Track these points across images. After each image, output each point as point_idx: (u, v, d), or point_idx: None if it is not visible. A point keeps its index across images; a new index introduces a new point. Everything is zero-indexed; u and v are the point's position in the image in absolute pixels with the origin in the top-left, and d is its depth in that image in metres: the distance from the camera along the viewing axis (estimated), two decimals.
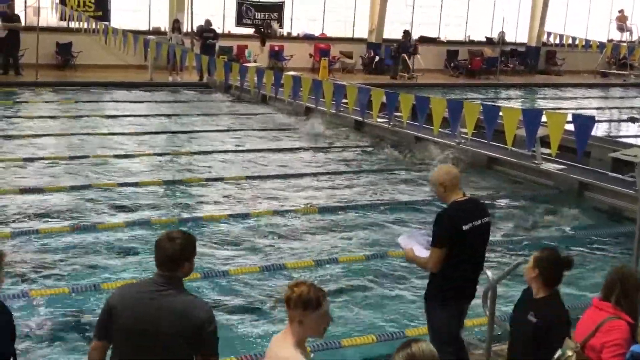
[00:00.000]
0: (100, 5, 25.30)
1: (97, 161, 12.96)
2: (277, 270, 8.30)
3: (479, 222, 5.56)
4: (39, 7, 22.31)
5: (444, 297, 5.58)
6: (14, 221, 9.53)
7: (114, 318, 3.98)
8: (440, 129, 13.58)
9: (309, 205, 10.90)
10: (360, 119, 16.72)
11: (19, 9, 23.47)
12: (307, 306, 3.66)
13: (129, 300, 4.01)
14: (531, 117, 11.45)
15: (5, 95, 19.23)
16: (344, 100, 16.29)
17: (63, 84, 21.52)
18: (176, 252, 3.97)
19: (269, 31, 27.99)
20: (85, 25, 22.38)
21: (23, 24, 22.71)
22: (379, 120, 16.06)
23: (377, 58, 28.23)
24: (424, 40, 30.06)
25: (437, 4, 31.10)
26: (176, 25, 24.08)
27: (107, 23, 23.33)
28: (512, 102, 24.12)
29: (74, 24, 23.15)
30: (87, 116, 16.96)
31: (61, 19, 23.51)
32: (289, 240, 9.46)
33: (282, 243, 9.34)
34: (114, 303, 4.02)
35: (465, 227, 5.44)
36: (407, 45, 27.44)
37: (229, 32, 27.62)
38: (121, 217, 9.94)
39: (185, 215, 10.15)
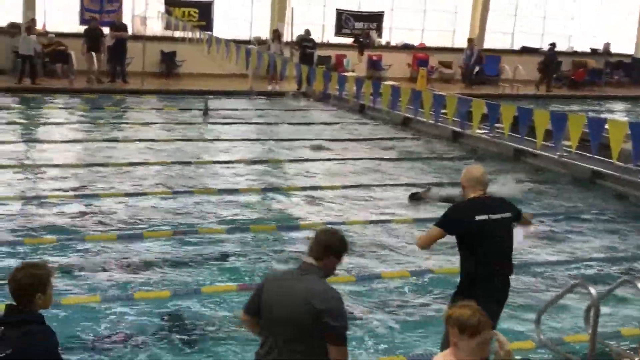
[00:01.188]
0: (203, 15, 25.97)
1: (197, 167, 13.25)
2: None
3: (498, 216, 5.57)
4: (145, 17, 23.02)
5: (468, 296, 5.48)
6: (118, 224, 9.83)
7: (262, 296, 4.36)
8: (542, 142, 13.29)
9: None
10: (459, 129, 16.53)
11: (126, 19, 24.34)
12: (463, 330, 3.66)
13: (273, 280, 4.47)
14: (639, 130, 11.08)
15: (112, 102, 19.91)
16: (443, 111, 16.16)
17: (167, 91, 22.15)
18: (333, 243, 4.35)
19: (368, 41, 28.05)
20: (189, 35, 22.96)
21: (130, 33, 23.50)
22: (477, 131, 15.86)
23: (476, 68, 27.88)
24: (525, 50, 29.51)
25: (541, 14, 30.49)
26: (276, 34, 24.45)
27: (210, 33, 23.88)
28: (617, 115, 23.37)
29: (178, 34, 23.80)
30: (189, 123, 17.37)
31: (166, 28, 24.21)
32: (392, 252, 9.41)
33: (391, 252, 9.30)
34: (264, 282, 4.47)
35: (479, 218, 5.47)
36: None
37: (328, 41, 27.84)
38: (221, 223, 10.11)
39: (283, 223, 10.24)
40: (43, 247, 8.76)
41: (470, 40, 27.46)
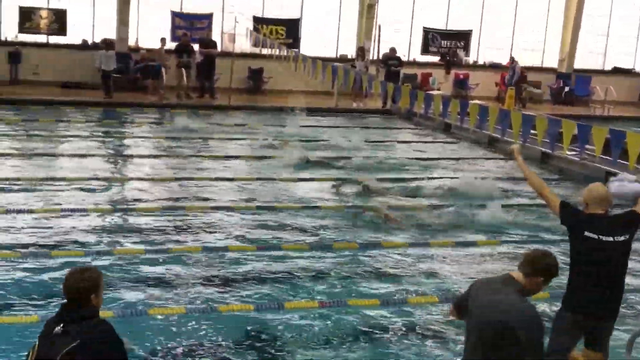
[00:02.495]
0: (291, 32, 26.26)
1: (280, 184, 13.29)
2: None
3: (611, 238, 5.48)
4: (234, 34, 23.41)
5: (565, 304, 5.68)
6: (203, 236, 9.95)
7: (468, 298, 4.68)
8: (636, 165, 12.87)
9: None
10: (549, 151, 16.15)
11: (215, 36, 24.83)
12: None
13: (479, 285, 4.75)
14: None
15: (201, 118, 20.27)
16: (532, 131, 15.82)
17: (254, 108, 22.42)
18: (542, 264, 4.61)
19: (455, 59, 27.81)
20: (277, 52, 23.21)
21: (219, 50, 23.93)
22: (567, 152, 15.47)
23: (566, 88, 27.26)
24: (617, 71, 28.71)
25: (634, 33, 29.65)
26: (361, 52, 24.50)
27: (297, 50, 24.10)
28: None
29: (266, 51, 24.10)
30: (274, 139, 17.50)
31: (254, 45, 24.54)
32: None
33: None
34: (472, 285, 4.80)
35: (588, 234, 5.49)
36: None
37: (414, 59, 27.73)
38: (305, 239, 10.11)
39: (365, 241, 10.17)
40: (127, 257, 8.93)
41: (512, 59, 26.91)
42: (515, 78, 25.83)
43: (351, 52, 26.73)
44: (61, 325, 4.01)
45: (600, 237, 5.45)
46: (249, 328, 7.20)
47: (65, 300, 4.17)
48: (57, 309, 4.23)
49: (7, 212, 10.39)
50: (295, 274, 8.79)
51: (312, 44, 26.61)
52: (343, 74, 21.33)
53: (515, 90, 24.36)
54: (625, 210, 6.09)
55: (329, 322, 7.40)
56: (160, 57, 23.04)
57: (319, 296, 8.13)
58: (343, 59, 25.85)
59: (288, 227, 10.62)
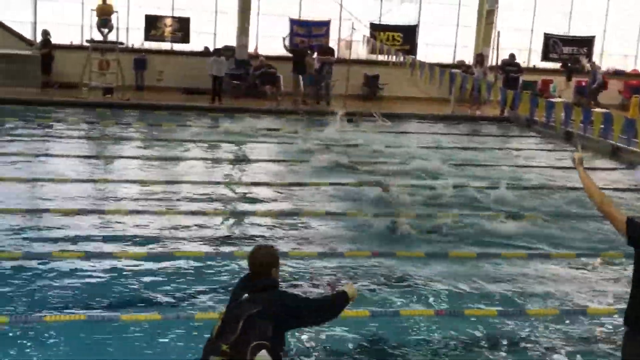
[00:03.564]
0: (407, 39, 26.18)
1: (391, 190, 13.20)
2: None
3: None
4: (351, 41, 23.54)
5: (626, 319, 5.12)
6: (318, 242, 10.03)
7: None
8: None
9: None
10: None
11: (332, 43, 25.04)
12: None
13: None
14: None
15: (315, 124, 20.45)
16: None
17: (368, 114, 22.45)
18: None
19: (577, 66, 26.98)
20: (393, 59, 23.16)
21: (336, 57, 24.10)
22: None
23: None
24: None
25: None
26: (479, 59, 24.13)
27: (414, 56, 23.97)
28: None
29: (382, 57, 24.08)
30: (390, 147, 17.42)
31: (370, 52, 24.57)
32: None
33: None
34: None
35: None
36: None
37: (534, 66, 27.10)
38: (421, 247, 10.04)
39: (483, 250, 9.99)
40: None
41: (592, 63, 25.63)
42: (596, 84, 24.83)
43: (469, 59, 26.38)
44: (246, 293, 4.61)
45: None
46: (364, 332, 7.19)
47: (248, 272, 4.75)
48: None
49: (131, 212, 10.79)
50: (411, 281, 8.74)
51: (429, 50, 26.46)
52: (461, 81, 21.04)
53: (592, 97, 23.47)
54: None
55: (444, 330, 7.32)
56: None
57: (435, 304, 8.05)
58: (460, 65, 25.52)
59: (402, 233, 10.55)
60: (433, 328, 7.35)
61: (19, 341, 6.60)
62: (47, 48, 22.86)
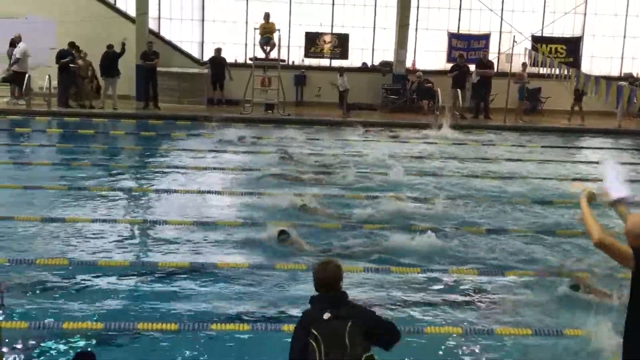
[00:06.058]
0: (571, 51, 25.35)
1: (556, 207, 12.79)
2: None
3: None
4: (511, 55, 23.05)
5: (623, 333, 5.04)
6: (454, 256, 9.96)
7: None
8: None
9: None
10: None
11: (492, 56, 24.63)
12: None
13: None
14: None
15: (474, 137, 20.17)
16: None
17: (529, 129, 21.91)
18: None
19: None
20: (556, 71, 22.48)
21: (495, 70, 23.71)
22: None
23: None
24: None
25: None
26: None
27: (577, 69, 23.17)
28: None
29: (544, 70, 23.41)
30: (547, 161, 16.89)
31: (532, 65, 23.98)
32: None
33: None
34: None
35: None
36: None
37: None
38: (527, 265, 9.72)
39: None
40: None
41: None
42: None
43: (637, 71, 25.18)
44: (327, 311, 4.71)
45: None
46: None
47: (316, 293, 4.87)
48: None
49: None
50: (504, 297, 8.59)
51: (594, 63, 25.51)
52: (629, 94, 20.14)
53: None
54: None
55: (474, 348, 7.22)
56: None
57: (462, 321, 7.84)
58: (627, 77, 24.39)
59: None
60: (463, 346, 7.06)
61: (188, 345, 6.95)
62: (217, 66, 23.63)
